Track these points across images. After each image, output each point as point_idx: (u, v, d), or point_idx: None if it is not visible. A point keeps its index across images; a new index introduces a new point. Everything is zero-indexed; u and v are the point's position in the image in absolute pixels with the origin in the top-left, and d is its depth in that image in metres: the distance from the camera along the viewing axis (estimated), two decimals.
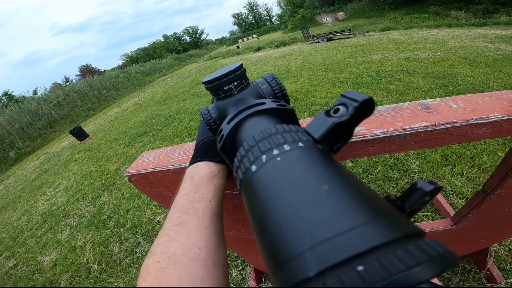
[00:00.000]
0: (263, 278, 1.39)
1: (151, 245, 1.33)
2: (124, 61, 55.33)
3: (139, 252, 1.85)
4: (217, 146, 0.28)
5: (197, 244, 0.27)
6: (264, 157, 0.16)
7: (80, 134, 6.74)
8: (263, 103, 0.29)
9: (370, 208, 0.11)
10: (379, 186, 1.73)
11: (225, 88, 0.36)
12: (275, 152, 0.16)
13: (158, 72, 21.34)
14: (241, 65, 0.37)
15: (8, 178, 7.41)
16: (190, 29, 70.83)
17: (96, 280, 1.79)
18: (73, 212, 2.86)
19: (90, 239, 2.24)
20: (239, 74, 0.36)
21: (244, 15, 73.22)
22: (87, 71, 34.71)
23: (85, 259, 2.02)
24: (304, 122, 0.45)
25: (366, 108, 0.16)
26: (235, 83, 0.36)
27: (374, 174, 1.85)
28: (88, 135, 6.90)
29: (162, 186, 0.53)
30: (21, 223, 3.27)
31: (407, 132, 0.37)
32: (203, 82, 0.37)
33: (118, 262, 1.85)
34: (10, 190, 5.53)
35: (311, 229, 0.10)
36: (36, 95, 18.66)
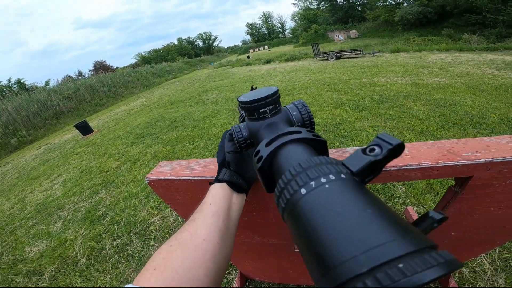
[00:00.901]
0: (247, 283, 1.43)
1: (143, 244, 1.39)
2: (136, 60, 56.45)
3: (130, 250, 1.88)
4: (254, 165, 0.31)
5: (202, 235, 0.34)
6: (313, 183, 0.19)
7: (85, 129, 6.85)
8: (300, 132, 0.31)
9: (401, 226, 0.15)
10: None
11: (260, 110, 0.39)
12: (323, 180, 0.19)
13: (168, 75, 21.74)
14: (277, 90, 0.40)
15: (5, 165, 7.43)
16: (204, 35, 72.47)
17: (82, 273, 1.81)
18: (68, 205, 2.89)
19: (82, 233, 2.26)
20: (275, 99, 0.39)
21: (258, 25, 74.83)
22: (100, 67, 35.41)
23: (74, 252, 2.04)
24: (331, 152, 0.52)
25: (397, 151, 0.20)
26: (270, 107, 0.39)
27: None
28: (93, 130, 7.00)
29: (176, 192, 0.64)
30: (13, 212, 3.29)
31: None
32: (240, 102, 0.40)
33: (107, 257, 1.88)
34: (6, 177, 5.56)
35: (362, 239, 0.15)
36: (48, 86, 19.01)
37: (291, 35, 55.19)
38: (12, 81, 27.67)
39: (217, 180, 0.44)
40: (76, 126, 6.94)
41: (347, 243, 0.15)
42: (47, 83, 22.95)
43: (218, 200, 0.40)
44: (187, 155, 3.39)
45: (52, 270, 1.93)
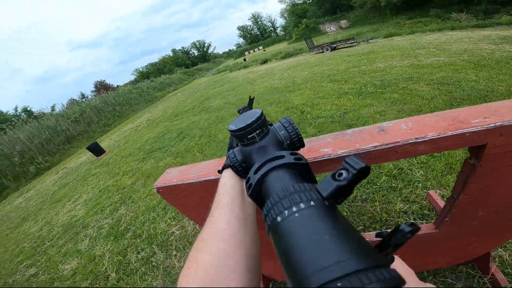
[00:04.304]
0: (270, 285, 1.47)
1: (166, 254, 1.47)
2: (136, 76, 57.49)
3: (155, 261, 1.96)
4: (246, 191, 0.35)
5: (222, 226, 0.35)
6: (286, 212, 0.23)
7: (96, 150, 7.06)
8: (283, 156, 0.34)
9: (355, 249, 0.19)
10: (383, 196, 1.78)
11: (249, 136, 0.41)
12: (294, 209, 0.22)
13: (168, 87, 22.07)
14: (261, 113, 0.42)
15: (28, 191, 7.79)
16: (197, 43, 73.05)
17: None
18: (92, 223, 3.03)
19: (109, 249, 2.37)
20: (260, 123, 0.41)
21: (249, 27, 74.98)
22: (101, 87, 36.07)
23: (104, 267, 2.15)
24: (311, 141, 0.56)
25: (363, 173, 0.22)
26: (257, 131, 0.41)
27: (378, 184, 1.91)
28: (105, 151, 7.20)
29: (183, 196, 0.67)
30: (42, 233, 3.46)
31: (361, 152, 0.48)
32: (230, 131, 0.43)
33: (134, 270, 1.96)
34: (30, 202, 5.84)
35: (315, 262, 0.18)
36: (54, 111, 19.65)
37: (283, 33, 55.05)
38: (19, 110, 28.57)
39: (224, 166, 0.47)
40: (88, 149, 7.14)
41: (304, 265, 0.18)
42: (53, 108, 23.71)
43: (230, 188, 0.42)
44: None
45: (87, 286, 2.03)
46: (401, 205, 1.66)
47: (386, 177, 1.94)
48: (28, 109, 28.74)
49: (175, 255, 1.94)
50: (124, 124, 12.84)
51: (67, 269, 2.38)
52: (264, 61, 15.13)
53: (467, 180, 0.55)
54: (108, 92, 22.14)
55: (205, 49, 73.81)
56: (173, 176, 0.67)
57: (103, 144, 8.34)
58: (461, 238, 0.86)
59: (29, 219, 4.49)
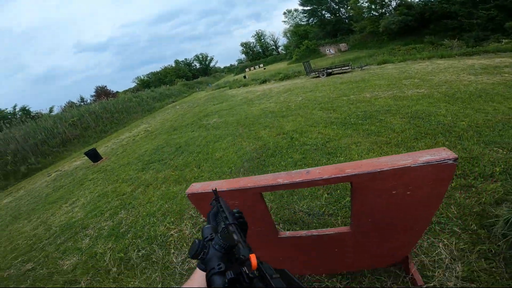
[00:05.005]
0: None
1: (165, 252, 1.87)
2: (136, 84, 58.10)
3: (155, 258, 2.25)
4: None
5: None
6: None
7: (94, 156, 7.27)
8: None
9: None
10: (345, 212, 2.16)
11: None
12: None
13: (168, 98, 22.54)
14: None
15: (18, 191, 7.90)
16: (200, 56, 74.77)
17: (115, 280, 2.16)
18: (92, 225, 3.27)
19: (110, 247, 2.63)
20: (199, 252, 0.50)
21: (251, 44, 77.40)
22: (102, 93, 36.25)
23: (105, 263, 2.40)
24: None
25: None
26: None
27: (342, 203, 2.29)
28: (102, 158, 7.43)
29: (204, 200, 1.06)
30: (37, 232, 3.64)
31: (295, 182, 0.89)
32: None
33: (135, 265, 2.24)
34: (21, 202, 5.98)
35: None
36: (52, 113, 19.80)
37: (284, 52, 57.21)
38: (17, 108, 28.45)
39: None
40: (86, 154, 7.37)
41: None
42: (51, 109, 23.81)
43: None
44: (195, 178, 3.80)
45: (88, 279, 2.28)
46: None
47: (349, 198, 2.32)
48: (27, 108, 28.66)
49: (173, 253, 2.24)
50: (121, 132, 13.09)
51: (67, 264, 2.60)
52: (263, 81, 15.84)
53: (352, 198, 0.98)
54: (108, 98, 22.46)
55: (207, 62, 75.51)
56: (198, 187, 1.07)
57: (99, 150, 8.51)
58: (375, 240, 1.25)
59: (21, 218, 4.64)
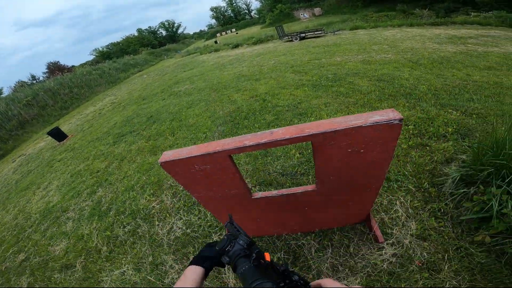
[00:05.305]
0: None
1: (150, 225, 1.97)
2: (95, 56, 52.67)
3: (141, 232, 2.32)
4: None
5: None
6: None
7: (58, 135, 6.77)
8: None
9: None
10: None
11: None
12: None
13: (133, 68, 20.86)
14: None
15: None
16: (166, 23, 68.50)
17: (107, 258, 2.20)
18: (72, 207, 3.21)
19: (95, 227, 2.64)
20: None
21: (223, 8, 71.85)
22: (55, 68, 32.56)
23: (94, 244, 2.42)
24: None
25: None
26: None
27: (313, 162, 2.47)
28: (67, 136, 6.96)
29: (177, 168, 1.11)
30: (18, 221, 3.50)
31: (261, 142, 0.96)
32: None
33: (123, 242, 2.30)
34: None
35: None
36: (2, 95, 17.61)
37: (257, 16, 53.93)
38: None
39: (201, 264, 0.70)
40: (50, 134, 6.84)
41: None
42: (0, 91, 21.09)
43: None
44: (170, 147, 3.79)
45: (82, 261, 2.29)
46: None
47: None
48: None
49: (158, 224, 2.34)
50: (84, 107, 12.18)
51: (57, 250, 2.55)
52: (236, 46, 15.12)
53: (314, 157, 1.08)
54: (64, 73, 20.20)
55: (174, 29, 69.47)
56: (169, 156, 1.09)
57: (63, 128, 7.98)
58: (339, 198, 1.40)
59: None
